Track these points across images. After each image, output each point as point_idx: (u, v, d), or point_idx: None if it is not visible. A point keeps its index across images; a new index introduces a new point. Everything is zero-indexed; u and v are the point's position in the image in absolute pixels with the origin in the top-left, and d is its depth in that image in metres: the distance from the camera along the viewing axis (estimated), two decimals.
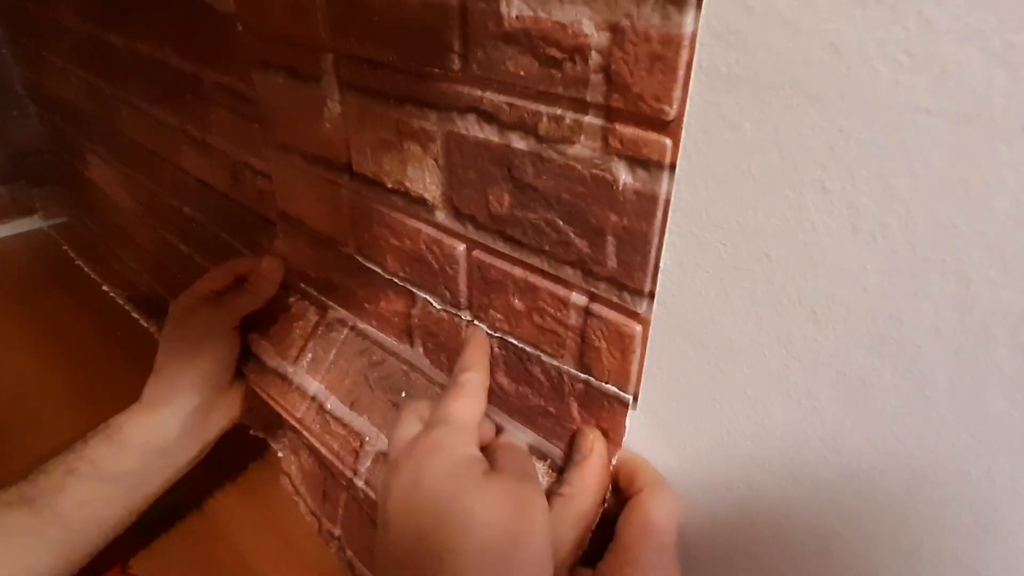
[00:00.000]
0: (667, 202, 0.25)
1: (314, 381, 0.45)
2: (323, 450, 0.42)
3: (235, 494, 0.60)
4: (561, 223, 0.29)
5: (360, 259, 0.43)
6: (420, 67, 0.32)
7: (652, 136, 0.24)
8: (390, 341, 0.44)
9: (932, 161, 0.19)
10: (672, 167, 0.25)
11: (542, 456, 0.36)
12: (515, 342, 0.35)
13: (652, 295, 0.28)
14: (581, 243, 0.29)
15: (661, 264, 0.27)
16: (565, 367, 0.33)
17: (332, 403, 0.43)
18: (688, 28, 0.22)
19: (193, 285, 0.51)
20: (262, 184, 0.50)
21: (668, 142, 0.24)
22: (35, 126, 0.98)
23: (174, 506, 0.56)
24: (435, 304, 0.39)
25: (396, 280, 0.41)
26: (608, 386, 0.31)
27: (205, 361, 0.48)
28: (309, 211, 0.46)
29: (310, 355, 0.46)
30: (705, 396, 0.28)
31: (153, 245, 0.80)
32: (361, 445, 0.40)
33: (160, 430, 0.47)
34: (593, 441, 0.32)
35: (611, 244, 0.28)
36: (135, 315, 0.82)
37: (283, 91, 0.42)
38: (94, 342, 0.78)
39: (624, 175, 0.26)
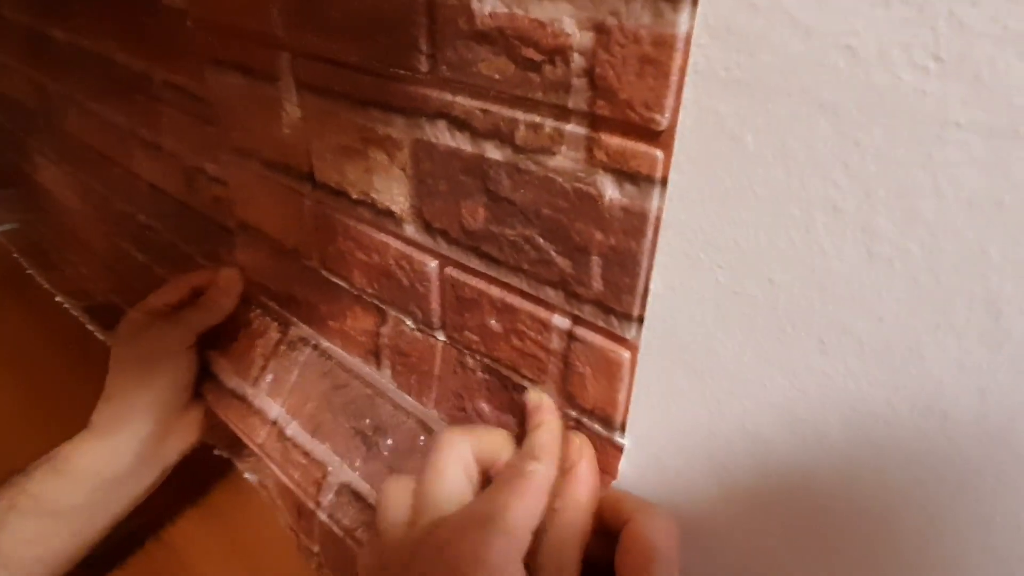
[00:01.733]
0: (658, 220, 0.23)
1: (275, 404, 0.42)
2: (285, 479, 0.39)
3: (197, 519, 0.56)
4: (541, 240, 0.27)
5: (325, 273, 0.40)
6: (384, 68, 0.29)
7: (641, 147, 0.22)
8: (355, 362, 0.41)
9: (962, 180, 0.16)
10: (664, 181, 0.22)
11: None
12: (496, 367, 0.32)
13: (641, 320, 0.25)
14: (563, 262, 0.26)
15: (651, 287, 0.24)
16: (551, 396, 0.30)
17: (293, 429, 0.40)
18: (683, 27, 0.19)
19: (145, 299, 0.48)
20: (218, 191, 0.47)
21: (659, 154, 0.22)
22: None
23: (128, 534, 0.52)
24: (408, 323, 0.36)
25: (364, 296, 0.38)
26: (594, 420, 0.29)
27: (160, 382, 0.45)
28: (269, 220, 0.43)
29: (271, 376, 0.43)
30: (700, 429, 0.26)
31: (108, 253, 0.76)
32: (324, 476, 0.37)
33: (112, 459, 0.44)
34: (581, 447, 0.29)
35: (596, 264, 0.25)
36: (91, 327, 0.77)
37: (238, 92, 0.39)
38: (46, 356, 0.73)
39: (610, 190, 0.23)
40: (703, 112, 0.20)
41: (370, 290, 0.38)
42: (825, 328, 0.20)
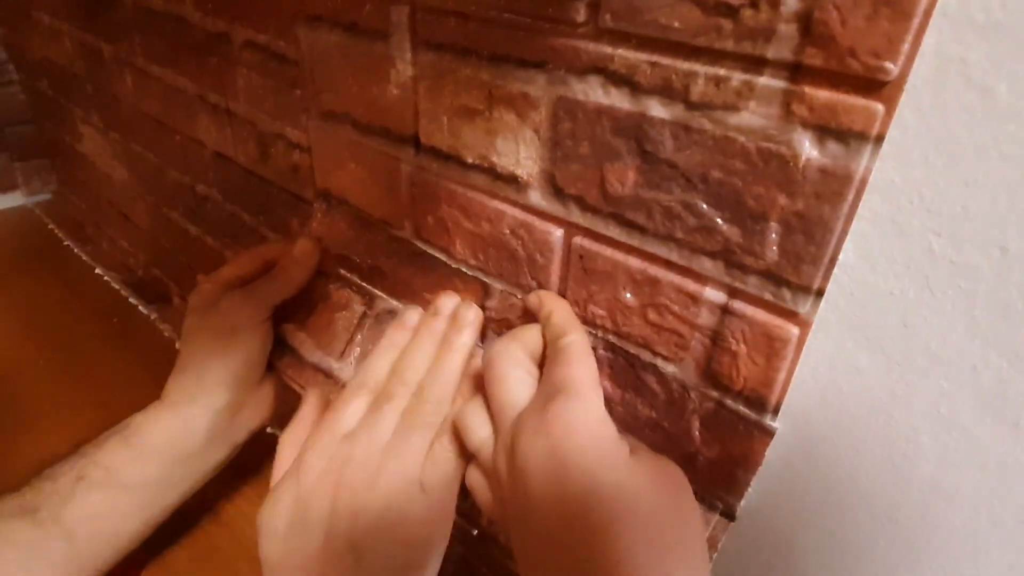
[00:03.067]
0: (863, 182, 0.21)
1: None
2: None
3: (254, 497, 0.55)
4: (704, 206, 0.25)
5: (419, 243, 0.38)
6: (527, 20, 0.27)
7: (858, 101, 0.20)
8: None
9: None
10: (879, 139, 0.20)
11: None
12: (622, 344, 0.31)
13: (820, 293, 0.23)
14: (730, 230, 0.24)
15: (840, 257, 0.23)
16: (687, 376, 0.29)
17: None
18: None
19: (217, 271, 0.46)
20: (298, 158, 0.45)
21: (880, 108, 0.20)
22: (18, 94, 0.90)
23: (188, 512, 0.50)
24: (518, 296, 0.34)
25: (464, 269, 0.36)
26: (741, 401, 0.27)
27: (234, 355, 0.43)
28: (356, 189, 0.41)
29: (358, 349, 0.41)
30: (878, 413, 0.24)
31: (152, 225, 0.74)
32: None
33: (185, 432, 0.42)
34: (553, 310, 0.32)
35: (773, 232, 0.23)
36: (133, 300, 0.76)
37: (337, 51, 0.37)
38: (87, 330, 0.71)
39: (808, 149, 0.21)
40: (946, 60, 0.18)
41: (473, 261, 0.36)
42: None
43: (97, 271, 0.80)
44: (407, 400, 0.34)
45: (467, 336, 0.35)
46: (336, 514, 0.31)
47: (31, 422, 0.59)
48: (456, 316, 0.36)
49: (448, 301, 0.37)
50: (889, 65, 0.19)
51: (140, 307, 0.75)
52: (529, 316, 0.34)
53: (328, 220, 0.45)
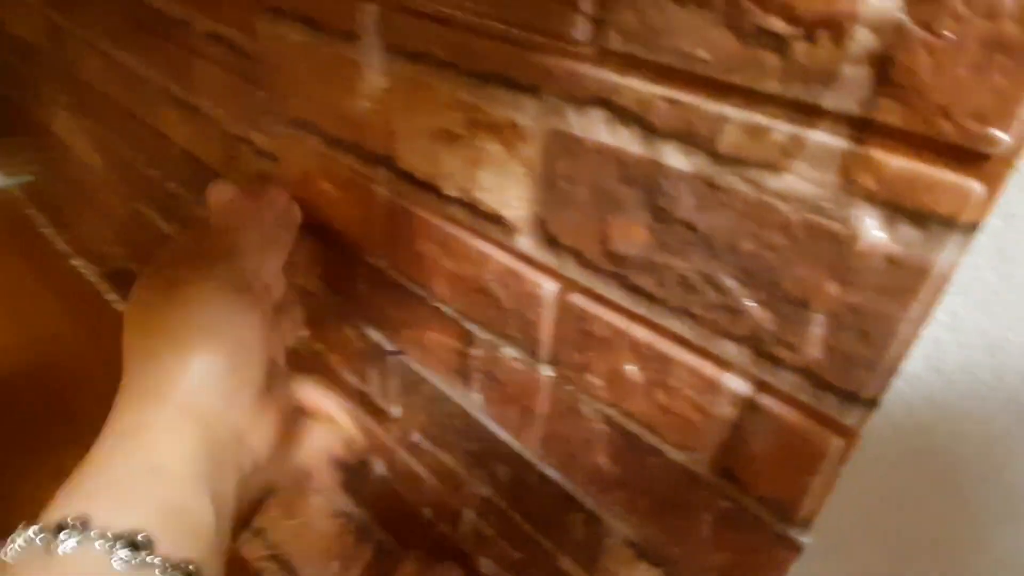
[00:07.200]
0: (943, 278, 0.16)
1: (392, 406, 0.40)
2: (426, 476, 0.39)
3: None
4: (730, 282, 0.20)
5: (396, 275, 0.34)
6: (519, 31, 0.22)
7: (947, 176, 0.15)
8: (438, 378, 0.35)
9: None
10: (971, 227, 0.15)
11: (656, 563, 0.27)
12: (624, 423, 0.26)
13: (873, 403, 0.18)
14: (761, 314, 0.19)
15: (903, 365, 0.18)
16: (699, 469, 0.24)
17: (417, 437, 0.39)
18: None
19: None
20: (265, 166, 0.40)
21: (977, 188, 0.15)
22: None
23: None
24: (505, 350, 0.29)
25: (445, 309, 0.32)
26: (763, 507, 0.22)
27: None
28: (329, 209, 0.36)
29: (375, 374, 0.40)
30: (925, 545, 0.19)
31: (128, 218, 0.69)
32: (460, 483, 0.36)
33: None
34: None
35: (818, 324, 0.18)
36: (108, 296, 0.71)
37: (299, 50, 0.31)
38: (60, 321, 0.67)
39: (872, 230, 0.16)
40: None
41: (454, 305, 0.31)
42: None
43: (73, 261, 0.76)
44: None
45: None
46: None
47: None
48: None
49: None
50: (998, 134, 0.14)
51: (114, 300, 0.70)
52: (524, 383, 0.29)
53: (302, 239, 0.40)
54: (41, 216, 0.84)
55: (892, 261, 0.16)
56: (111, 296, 0.71)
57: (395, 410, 0.40)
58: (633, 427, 0.26)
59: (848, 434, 0.19)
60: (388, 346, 0.37)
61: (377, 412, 0.42)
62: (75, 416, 0.54)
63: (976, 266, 0.15)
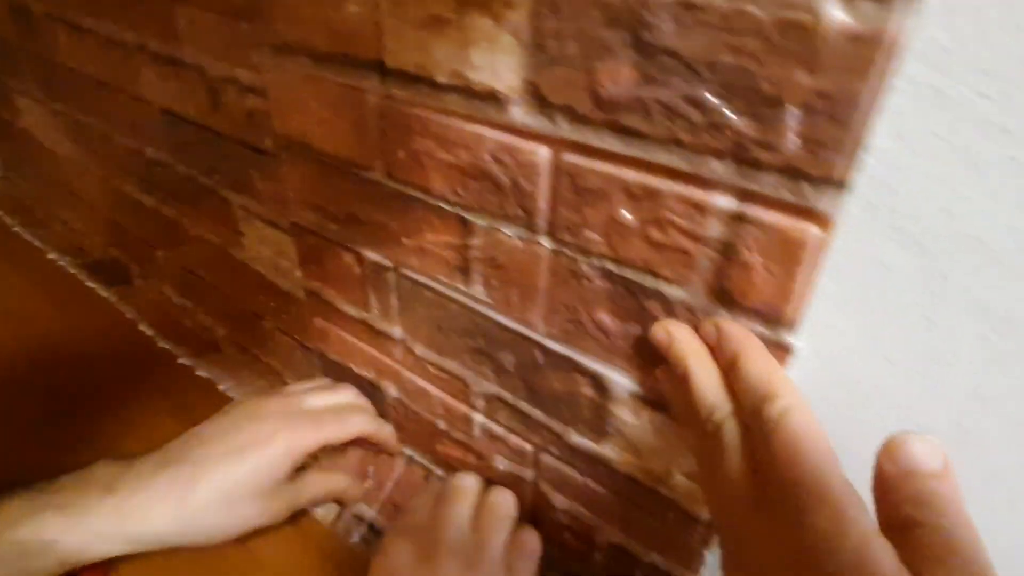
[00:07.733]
0: (897, 46, 0.18)
1: (395, 327, 0.42)
2: (435, 391, 0.41)
3: None
4: (712, 98, 0.22)
5: (392, 184, 0.35)
6: None
7: None
8: (439, 281, 0.36)
9: None
10: None
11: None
12: (622, 272, 0.28)
13: (842, 184, 0.21)
14: (742, 122, 0.22)
15: (869, 140, 0.20)
16: (695, 300, 0.26)
17: (420, 349, 0.41)
18: None
19: None
20: (253, 103, 0.41)
21: None
22: None
23: None
24: (504, 231, 0.31)
25: (444, 206, 0.33)
26: (755, 318, 0.25)
27: None
28: (320, 131, 0.37)
29: (374, 299, 0.42)
30: (912, 315, 0.21)
31: (104, 201, 0.69)
32: (467, 387, 0.39)
33: None
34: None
35: (792, 118, 0.21)
36: (91, 284, 0.71)
37: None
38: (51, 317, 0.67)
39: (834, 11, 0.19)
40: None
41: (453, 197, 0.33)
42: None
43: (50, 256, 0.75)
44: None
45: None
46: None
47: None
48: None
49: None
50: None
51: (100, 290, 0.70)
52: (524, 261, 0.31)
53: (295, 171, 0.41)
54: (11, 218, 0.83)
55: (854, 38, 0.19)
56: (93, 284, 0.71)
57: (396, 331, 0.42)
58: (632, 274, 0.28)
59: (822, 221, 0.22)
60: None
61: (379, 336, 0.43)
62: (75, 413, 0.54)
63: (929, 25, 0.18)
